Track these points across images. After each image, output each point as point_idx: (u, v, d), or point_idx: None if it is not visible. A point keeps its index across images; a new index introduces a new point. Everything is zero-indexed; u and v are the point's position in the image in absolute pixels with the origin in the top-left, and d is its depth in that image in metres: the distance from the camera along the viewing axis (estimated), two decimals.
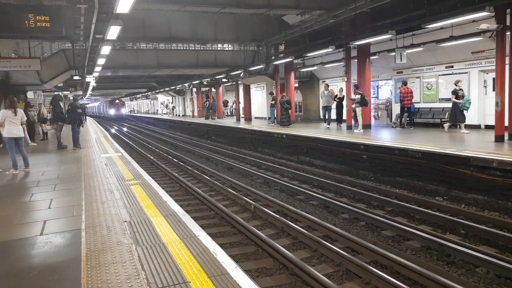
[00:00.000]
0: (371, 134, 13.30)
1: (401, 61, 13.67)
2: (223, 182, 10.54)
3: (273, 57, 20.34)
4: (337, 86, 19.20)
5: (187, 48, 21.99)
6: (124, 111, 61.62)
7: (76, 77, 19.13)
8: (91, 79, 22.75)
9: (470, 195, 8.09)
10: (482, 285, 4.62)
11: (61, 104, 14.58)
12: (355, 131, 14.53)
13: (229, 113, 32.87)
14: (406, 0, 11.83)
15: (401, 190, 9.08)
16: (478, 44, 12.48)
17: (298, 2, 13.77)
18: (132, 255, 3.55)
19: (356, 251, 5.58)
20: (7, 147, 8.51)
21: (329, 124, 16.59)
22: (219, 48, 23.70)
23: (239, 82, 25.37)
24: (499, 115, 10.20)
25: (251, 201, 8.14)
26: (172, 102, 47.14)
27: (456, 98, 11.91)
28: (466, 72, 13.69)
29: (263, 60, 20.37)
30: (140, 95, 57.10)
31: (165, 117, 42.67)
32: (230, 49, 23.26)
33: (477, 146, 9.50)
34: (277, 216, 7.04)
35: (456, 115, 12.09)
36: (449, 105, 14.44)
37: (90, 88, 30.73)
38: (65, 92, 28.58)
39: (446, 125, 12.84)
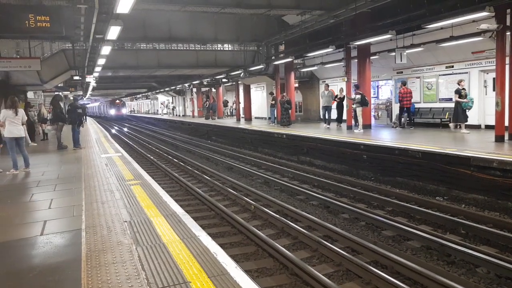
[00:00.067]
0: (371, 134, 13.30)
1: (401, 61, 13.67)
2: (223, 182, 10.54)
3: (273, 57, 20.34)
4: (337, 86, 19.20)
5: (187, 48, 21.99)
6: (125, 111, 61.62)
7: (76, 77, 19.14)
8: (91, 79, 22.76)
9: (470, 195, 8.09)
10: (483, 285, 4.62)
11: (61, 104, 14.59)
12: (355, 131, 14.53)
13: (229, 113, 32.88)
14: (406, 0, 11.83)
15: (401, 190, 9.08)
16: (478, 44, 12.48)
17: (298, 2, 13.77)
18: (132, 255, 3.55)
19: (357, 251, 5.58)
20: (8, 147, 8.52)
21: (329, 124, 16.59)
22: (219, 48, 23.70)
23: (239, 82, 25.37)
24: (499, 115, 10.20)
25: (251, 201, 8.14)
26: (172, 102, 47.16)
27: (459, 97, 11.87)
28: (466, 72, 13.69)
29: (263, 60, 20.38)
30: (140, 95, 57.14)
31: (165, 117, 42.68)
32: (230, 49, 23.27)
33: (477, 146, 9.50)
34: (277, 216, 7.04)
35: (458, 115, 12.05)
36: (449, 105, 14.48)
37: (90, 88, 30.75)
38: (65, 92, 28.59)
39: (451, 125, 12.72)
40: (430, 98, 15.30)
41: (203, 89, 34.18)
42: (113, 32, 9.92)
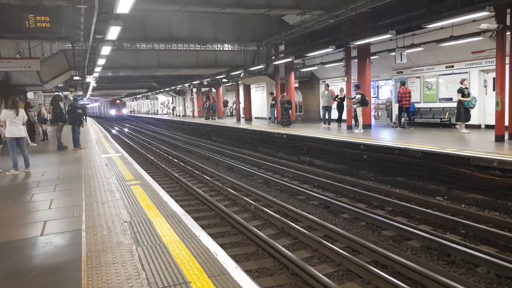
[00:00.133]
0: (371, 134, 13.30)
1: (401, 61, 13.67)
2: (223, 182, 10.54)
3: (273, 57, 20.34)
4: (337, 86, 19.20)
5: (187, 48, 21.99)
6: (125, 111, 61.63)
7: (76, 78, 19.13)
8: (91, 80, 22.76)
9: (471, 194, 8.09)
10: (483, 284, 4.62)
11: (61, 104, 14.59)
12: (355, 131, 14.53)
13: (229, 113, 32.88)
14: (406, 0, 11.83)
15: (402, 190, 9.08)
16: (478, 44, 12.48)
17: (298, 2, 13.77)
18: (133, 255, 3.55)
19: (357, 251, 5.58)
20: (9, 147, 8.52)
21: (329, 124, 16.58)
22: (219, 48, 23.70)
23: (239, 82, 25.37)
24: (499, 115, 10.20)
25: (251, 201, 8.14)
26: (173, 103, 47.16)
27: (462, 96, 11.81)
28: (466, 72, 13.68)
29: (263, 60, 20.38)
30: (140, 95, 57.13)
31: (165, 117, 42.69)
32: (230, 49, 23.27)
33: (477, 146, 9.50)
34: (278, 216, 7.04)
35: (460, 114, 12.00)
36: (449, 105, 14.49)
37: (90, 88, 30.75)
38: (65, 93, 28.61)
39: (462, 125, 12.29)
40: (430, 98, 15.30)
41: (203, 89, 34.18)
42: (113, 32, 9.92)
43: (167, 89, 38.93)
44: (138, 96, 59.42)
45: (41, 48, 20.48)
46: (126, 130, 34.86)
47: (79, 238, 4.06)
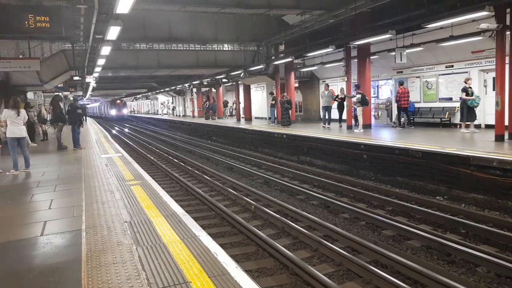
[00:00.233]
0: (371, 134, 13.30)
1: (401, 60, 13.66)
2: (223, 182, 10.54)
3: (273, 57, 20.34)
4: (337, 86, 19.20)
5: (187, 48, 21.99)
6: (126, 111, 61.65)
7: (76, 78, 19.14)
8: (91, 80, 22.77)
9: (471, 194, 8.09)
10: (483, 284, 4.62)
11: (61, 104, 14.59)
12: (355, 130, 14.54)
13: (229, 114, 32.89)
14: (406, 0, 11.82)
15: (402, 189, 9.08)
16: (478, 43, 12.48)
17: (298, 2, 13.77)
18: (133, 255, 3.55)
19: (357, 251, 5.58)
20: (9, 147, 8.53)
21: (329, 124, 16.58)
22: (219, 48, 23.70)
23: (239, 82, 25.37)
24: (499, 114, 10.20)
25: (251, 201, 8.14)
26: (172, 103, 47.17)
27: (466, 95, 11.77)
28: (466, 72, 13.69)
29: (263, 60, 20.38)
30: (140, 95, 57.12)
31: (165, 117, 42.69)
32: (230, 49, 23.27)
33: (477, 145, 9.51)
34: (278, 216, 7.04)
35: (463, 114, 11.97)
36: (449, 104, 14.51)
37: (90, 88, 30.75)
38: (65, 93, 28.61)
39: (471, 125, 12.22)
40: (430, 98, 15.30)
41: (203, 89, 34.18)
42: (113, 32, 9.91)
43: (167, 89, 38.93)
44: (138, 96, 59.41)
45: (41, 48, 20.49)
46: (126, 130, 34.85)
47: (79, 238, 4.06)
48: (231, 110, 33.35)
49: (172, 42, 19.99)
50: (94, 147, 13.10)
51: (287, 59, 18.15)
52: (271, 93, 21.04)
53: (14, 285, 3.15)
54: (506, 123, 10.25)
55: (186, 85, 32.28)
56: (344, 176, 10.64)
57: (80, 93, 33.12)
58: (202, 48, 22.09)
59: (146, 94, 51.63)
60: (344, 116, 16.26)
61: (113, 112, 60.58)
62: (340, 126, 16.30)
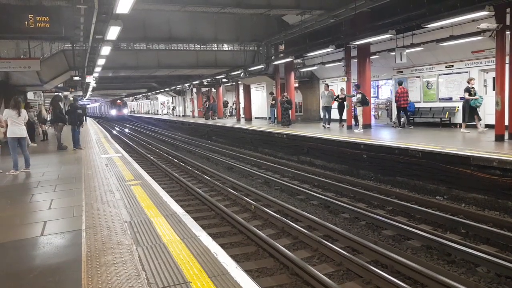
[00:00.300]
0: (371, 134, 13.30)
1: (401, 60, 13.67)
2: (223, 182, 10.54)
3: (273, 57, 20.34)
4: (337, 86, 19.21)
5: (187, 48, 21.99)
6: (126, 111, 61.68)
7: (76, 78, 19.14)
8: (91, 80, 22.77)
9: (471, 194, 8.09)
10: (483, 284, 4.62)
11: (61, 104, 14.59)
12: (355, 130, 14.54)
13: (229, 114, 32.90)
14: (406, 0, 11.82)
15: (402, 189, 9.08)
16: (478, 43, 12.48)
17: (298, 2, 13.77)
18: (133, 255, 3.55)
19: (357, 251, 5.58)
20: (10, 148, 8.53)
21: (329, 124, 16.58)
22: (219, 48, 23.71)
23: (239, 82, 25.37)
24: (499, 114, 10.20)
25: (251, 201, 8.14)
26: (172, 103, 47.16)
27: (469, 95, 11.73)
28: (466, 72, 13.69)
29: (263, 60, 20.38)
30: (140, 95, 57.13)
31: (165, 117, 42.69)
32: (230, 49, 23.27)
33: (477, 145, 9.51)
34: (278, 216, 7.04)
35: (465, 114, 11.93)
36: (449, 104, 14.51)
37: (90, 88, 30.75)
38: (65, 93, 28.61)
39: (479, 125, 12.07)
40: (430, 98, 15.30)
41: (203, 89, 34.17)
42: (113, 32, 9.91)
43: (167, 89, 38.92)
44: (138, 96, 59.43)
45: (40, 48, 20.49)
46: (126, 130, 34.85)
47: (79, 238, 4.06)
48: (231, 110, 33.36)
49: (172, 42, 19.99)
50: (94, 147, 13.10)
51: (287, 59, 18.15)
52: (271, 93, 21.04)
53: (14, 285, 3.15)
54: (506, 123, 10.25)
55: (186, 85, 32.27)
56: (344, 176, 10.64)
57: (80, 93, 33.13)
58: (202, 48, 22.09)
59: (146, 94, 51.63)
60: (344, 116, 16.26)
61: (113, 112, 60.61)
62: (342, 126, 16.29)
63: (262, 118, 26.29)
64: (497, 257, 4.99)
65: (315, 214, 7.53)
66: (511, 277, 4.68)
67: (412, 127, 14.69)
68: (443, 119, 14.41)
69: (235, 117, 28.07)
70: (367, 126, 14.82)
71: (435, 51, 14.25)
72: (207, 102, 30.98)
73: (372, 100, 16.94)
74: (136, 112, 73.21)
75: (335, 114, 17.08)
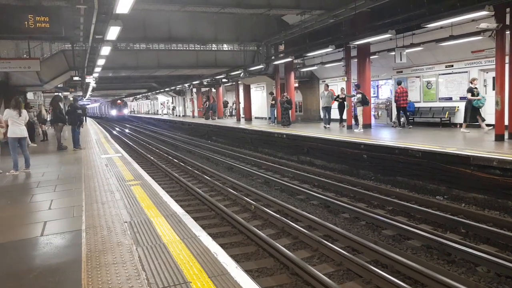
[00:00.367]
0: (371, 134, 13.30)
1: (401, 60, 13.67)
2: (223, 182, 10.54)
3: (273, 57, 20.34)
4: (337, 86, 19.21)
5: (187, 48, 21.99)
6: (126, 111, 61.68)
7: (76, 78, 19.15)
8: (91, 80, 22.78)
9: (470, 194, 8.09)
10: (483, 284, 4.62)
11: (61, 105, 14.58)
12: (355, 130, 14.54)
13: (229, 114, 32.91)
14: (405, 0, 11.83)
15: (402, 189, 9.08)
16: (478, 43, 12.48)
17: (298, 2, 13.77)
18: (133, 255, 3.55)
19: (357, 251, 5.58)
20: (10, 148, 8.54)
21: (329, 124, 16.58)
22: (219, 48, 23.71)
23: (239, 82, 25.37)
24: (499, 114, 10.20)
25: (251, 201, 8.14)
26: (172, 103, 47.16)
27: (471, 96, 11.70)
28: (466, 72, 13.69)
29: (263, 60, 20.38)
30: (140, 95, 57.14)
31: (165, 117, 42.69)
32: (230, 49, 23.27)
33: (477, 145, 9.51)
34: (278, 216, 7.04)
35: (466, 113, 11.92)
36: (449, 104, 14.51)
37: (90, 88, 30.76)
38: (65, 93, 28.61)
39: (482, 125, 12.06)
40: (430, 98, 15.30)
41: (203, 89, 34.17)
42: (113, 32, 9.91)
43: (167, 89, 38.92)
44: (138, 96, 59.43)
45: (40, 48, 20.49)
46: (126, 130, 34.85)
47: (79, 239, 4.06)
48: (231, 110, 33.36)
49: (172, 42, 19.99)
50: (94, 148, 13.10)
51: (287, 59, 18.15)
52: (271, 93, 21.04)
53: (14, 285, 3.15)
54: (506, 122, 10.25)
55: (186, 85, 32.27)
56: (344, 176, 10.64)
57: (80, 93, 33.13)
58: (202, 48, 22.09)
59: (146, 94, 51.63)
60: (345, 116, 16.25)
61: (113, 112, 60.63)
62: (342, 126, 16.29)
63: (262, 118, 26.29)
64: (497, 257, 4.99)
65: (315, 214, 7.53)
66: (511, 277, 4.68)
67: (411, 127, 14.69)
68: (443, 119, 14.41)
69: (235, 117, 28.07)
70: (367, 126, 14.82)
71: (435, 51, 14.25)
72: (207, 102, 30.98)
73: (372, 100, 16.94)
74: (136, 112, 73.23)
75: (335, 114, 17.07)
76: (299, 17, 15.26)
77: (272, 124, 20.11)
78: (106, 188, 6.44)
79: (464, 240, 5.90)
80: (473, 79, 12.10)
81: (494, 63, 10.48)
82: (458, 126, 12.62)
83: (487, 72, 13.17)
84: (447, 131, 12.99)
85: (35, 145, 14.12)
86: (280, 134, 15.42)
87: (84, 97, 40.70)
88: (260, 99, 26.90)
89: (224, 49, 23.68)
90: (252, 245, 6.01)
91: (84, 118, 19.82)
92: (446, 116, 14.36)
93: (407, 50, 13.68)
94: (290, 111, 18.17)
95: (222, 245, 4.76)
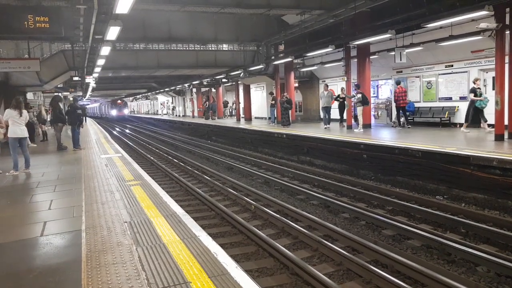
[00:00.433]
0: (371, 134, 13.30)
1: (400, 60, 13.67)
2: (223, 182, 10.54)
3: (273, 57, 20.35)
4: (337, 86, 19.21)
5: (187, 48, 22.00)
6: (126, 111, 61.67)
7: (76, 78, 19.15)
8: (90, 80, 22.79)
9: (470, 194, 8.09)
10: (483, 283, 4.62)
11: (61, 105, 14.58)
12: (355, 130, 14.54)
13: (229, 114, 32.91)
14: (405, 0, 11.83)
15: (402, 189, 9.07)
16: (478, 43, 12.48)
17: (298, 2, 13.77)
18: (133, 255, 3.55)
19: (357, 251, 5.58)
20: (11, 148, 8.54)
21: (329, 124, 16.57)
22: (219, 48, 23.71)
23: (239, 82, 25.37)
24: (499, 114, 10.20)
25: (251, 201, 8.14)
26: (172, 103, 47.16)
27: (474, 96, 11.63)
28: (466, 71, 13.69)
29: (263, 60, 20.38)
30: (140, 95, 57.13)
31: (165, 117, 42.68)
32: (230, 49, 23.27)
33: (477, 145, 9.51)
34: (278, 216, 7.04)
35: (468, 114, 11.86)
36: (449, 104, 14.51)
37: (90, 89, 30.77)
38: (65, 93, 28.62)
39: (486, 126, 11.90)
40: (430, 98, 15.31)
41: (203, 89, 34.17)
42: (113, 32, 9.91)
43: (167, 89, 38.91)
44: (138, 96, 59.43)
45: (40, 48, 20.50)
46: (126, 130, 34.84)
47: (79, 239, 4.05)
48: (231, 110, 33.36)
49: (171, 42, 19.99)
50: (94, 148, 13.09)
51: (286, 59, 18.15)
52: (271, 93, 21.04)
53: (14, 285, 3.15)
54: (506, 122, 10.25)
55: (186, 85, 32.27)
56: (344, 176, 10.64)
57: (80, 93, 33.13)
58: (202, 48, 22.09)
59: (146, 94, 51.62)
60: (345, 116, 16.25)
61: (113, 112, 60.62)
62: (343, 126, 16.29)
63: (262, 118, 26.29)
64: (497, 257, 4.99)
65: (315, 214, 7.53)
66: (511, 276, 4.68)
67: (409, 126, 14.68)
68: (443, 119, 14.42)
69: (235, 117, 28.07)
70: (367, 126, 14.82)
71: (434, 51, 14.25)
72: (207, 102, 30.98)
73: (372, 100, 16.94)
74: (136, 112, 73.23)
75: (335, 114, 17.07)
76: (299, 17, 15.26)
77: (272, 124, 20.11)
78: (106, 188, 6.44)
79: (464, 240, 5.90)
80: (476, 79, 11.99)
81: (494, 63, 10.48)
82: (458, 126, 12.62)
83: (486, 72, 13.17)
84: (447, 131, 12.99)
85: (35, 145, 14.12)
86: (280, 134, 15.42)
87: (84, 97, 40.70)
88: (260, 99, 26.90)
89: (224, 49, 23.68)
90: (252, 245, 6.01)
91: (84, 118, 19.81)
92: (446, 116, 14.36)
93: (407, 50, 13.68)
94: (290, 111, 18.17)
95: (222, 245, 4.75)
